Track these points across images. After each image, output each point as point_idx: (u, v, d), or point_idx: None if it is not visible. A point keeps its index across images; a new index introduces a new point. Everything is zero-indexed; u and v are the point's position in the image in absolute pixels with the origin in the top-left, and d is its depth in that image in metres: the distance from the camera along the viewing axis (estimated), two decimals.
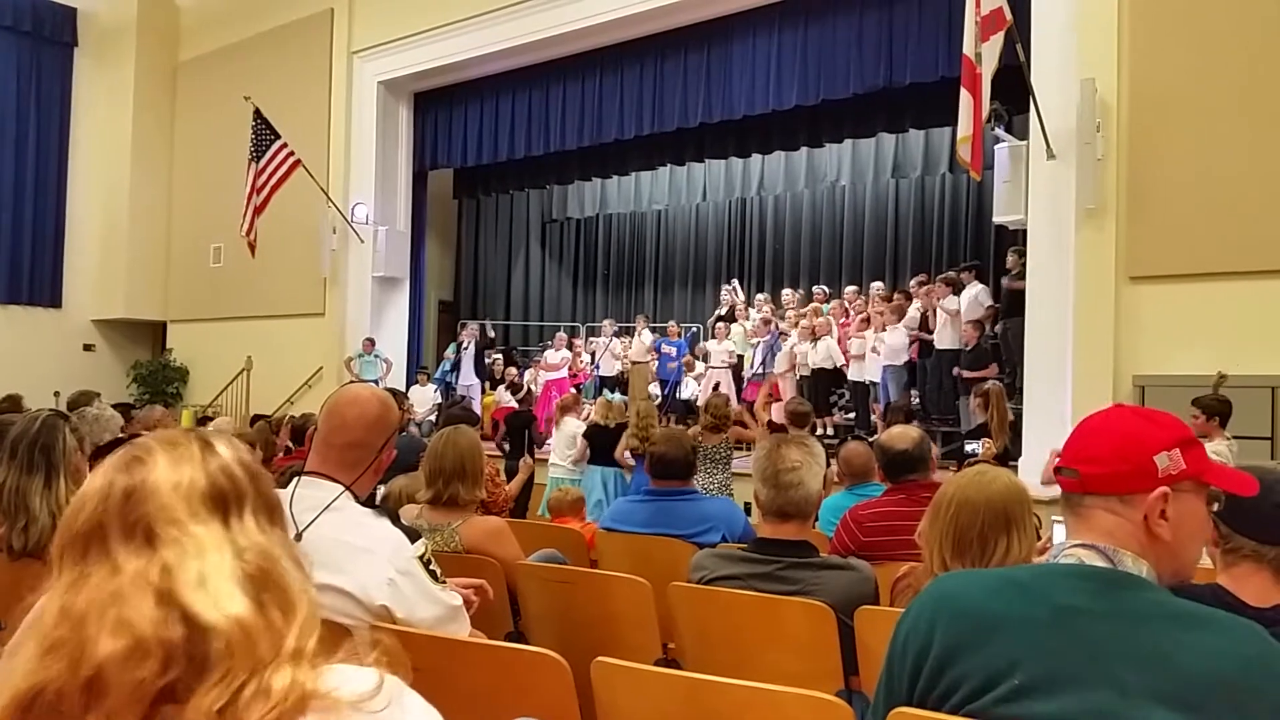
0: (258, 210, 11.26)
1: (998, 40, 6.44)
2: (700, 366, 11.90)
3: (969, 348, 8.89)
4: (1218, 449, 5.22)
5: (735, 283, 13.52)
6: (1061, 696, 1.16)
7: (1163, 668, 1.14)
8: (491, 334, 13.59)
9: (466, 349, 12.83)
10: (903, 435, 3.49)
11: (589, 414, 8.74)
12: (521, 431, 8.54)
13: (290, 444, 6.78)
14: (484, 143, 12.32)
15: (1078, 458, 1.34)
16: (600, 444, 7.57)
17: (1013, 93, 7.55)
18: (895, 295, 10.84)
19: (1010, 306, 8.68)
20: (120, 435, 4.36)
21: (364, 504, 2.09)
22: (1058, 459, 1.38)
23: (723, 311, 12.46)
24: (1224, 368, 6.29)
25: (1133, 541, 1.29)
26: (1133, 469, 1.30)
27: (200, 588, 0.85)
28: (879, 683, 1.38)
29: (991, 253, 11.30)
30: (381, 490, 3.66)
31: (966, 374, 8.68)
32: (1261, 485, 1.87)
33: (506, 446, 8.42)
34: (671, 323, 12.86)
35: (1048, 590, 1.25)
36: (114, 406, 6.19)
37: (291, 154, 11.19)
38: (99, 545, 0.89)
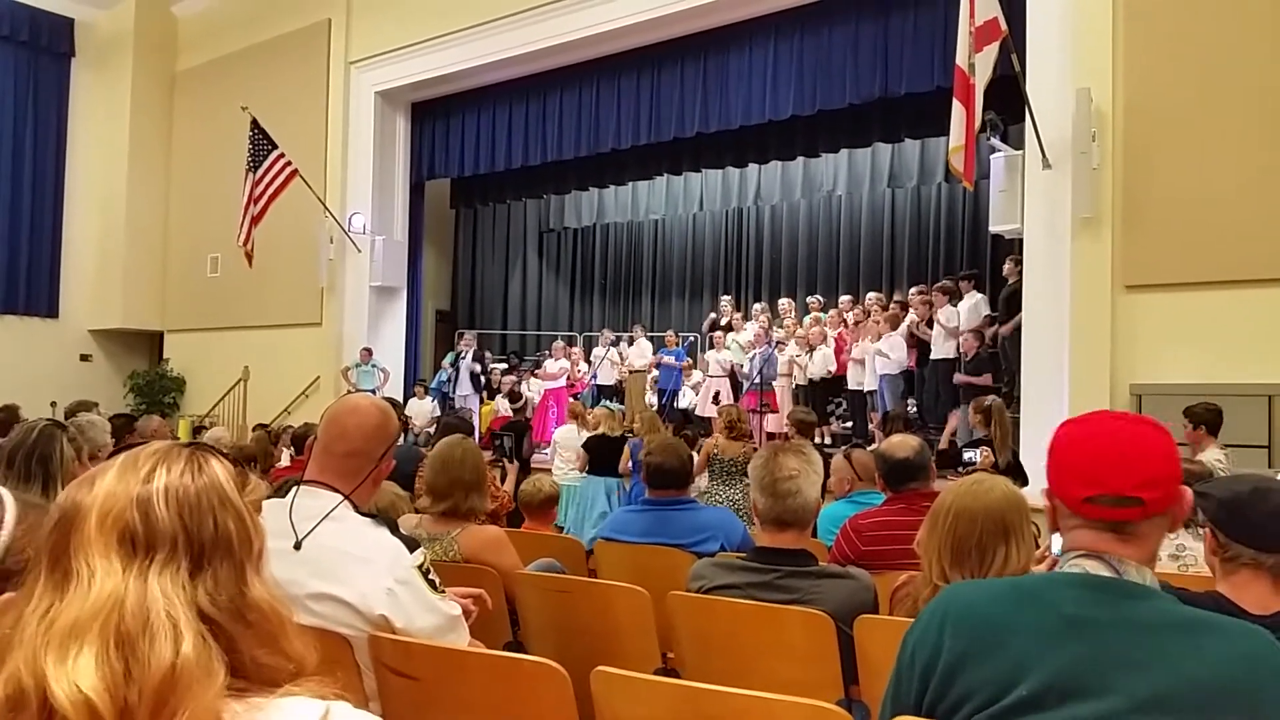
0: (255, 220, 11.26)
1: (993, 50, 6.47)
2: (698, 375, 11.91)
3: (969, 357, 8.90)
4: (1215, 457, 5.23)
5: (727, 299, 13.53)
6: (1070, 706, 1.16)
7: (1170, 675, 1.15)
8: (489, 364, 13.54)
9: (464, 359, 12.83)
10: (903, 444, 3.48)
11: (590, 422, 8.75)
12: (516, 441, 8.54)
13: (292, 452, 6.77)
14: (481, 153, 12.33)
15: (1136, 484, 1.29)
16: (602, 454, 7.56)
17: (1008, 102, 7.57)
18: (892, 305, 10.86)
19: (1009, 316, 8.70)
20: (107, 445, 4.34)
21: (363, 513, 2.09)
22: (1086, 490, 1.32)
23: (721, 321, 12.47)
24: (1221, 376, 6.31)
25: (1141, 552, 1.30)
26: (1177, 481, 1.31)
27: (62, 649, 0.80)
28: (886, 693, 1.38)
29: (988, 262, 11.33)
30: None
31: (962, 379, 8.68)
32: (1255, 493, 1.88)
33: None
34: (669, 332, 12.87)
35: (1056, 600, 1.25)
36: (116, 417, 6.19)
37: (289, 164, 11.20)
38: (35, 567, 0.87)
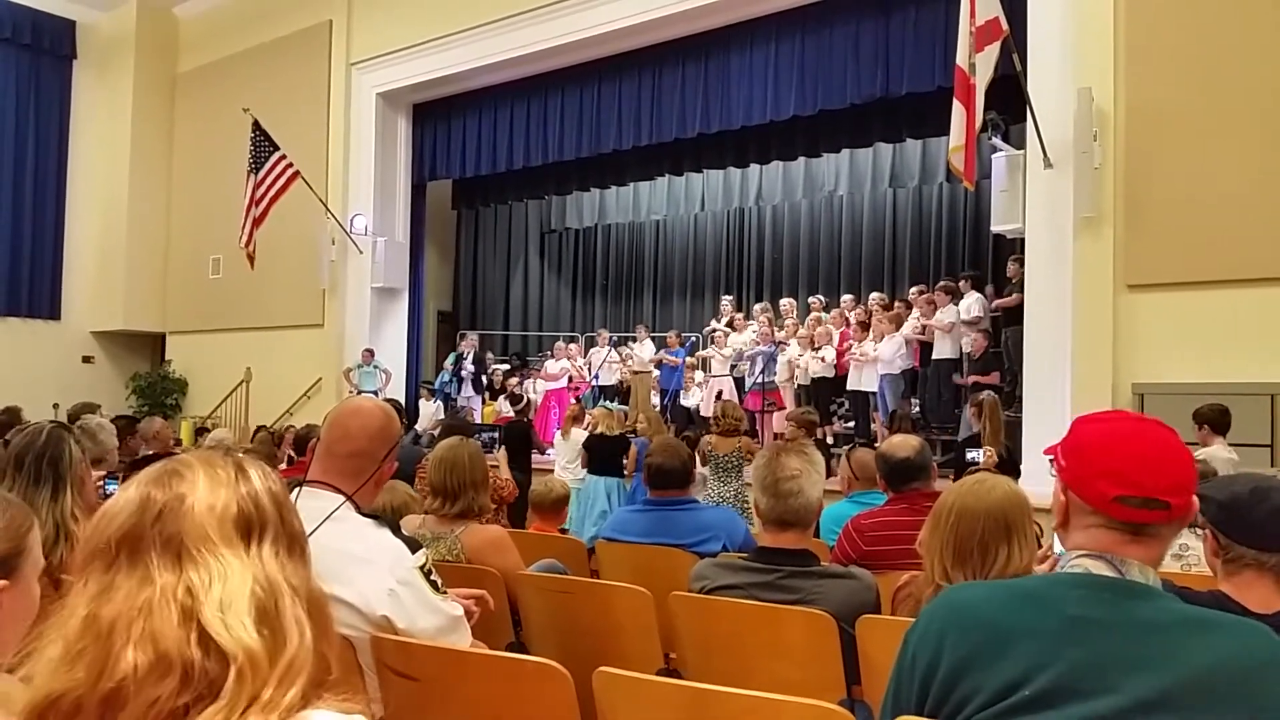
0: (256, 222, 11.27)
1: (994, 50, 6.47)
2: (700, 375, 11.90)
3: (976, 356, 8.90)
4: (1214, 454, 5.25)
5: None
6: (1073, 706, 1.16)
7: (1174, 673, 1.15)
8: (490, 365, 13.55)
9: (466, 359, 12.83)
10: (904, 444, 3.48)
11: (587, 423, 8.74)
12: (519, 441, 8.55)
13: (293, 454, 6.78)
14: (482, 154, 12.34)
15: (1166, 488, 1.28)
16: (602, 454, 7.54)
17: (1010, 102, 7.57)
18: (895, 304, 10.86)
19: (1010, 315, 8.70)
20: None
21: (365, 514, 2.09)
22: (1117, 488, 1.29)
23: (724, 321, 12.46)
24: (1223, 375, 6.32)
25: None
26: (1195, 488, 1.31)
27: (221, 613, 0.87)
28: (886, 695, 1.37)
29: (990, 262, 11.32)
30: None
31: (972, 379, 8.68)
32: (1255, 493, 1.88)
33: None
34: (672, 332, 12.86)
35: (1059, 601, 1.25)
36: (118, 418, 6.19)
37: (290, 165, 11.20)
38: (131, 556, 0.90)
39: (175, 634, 0.85)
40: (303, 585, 0.95)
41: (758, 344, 11.12)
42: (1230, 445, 5.53)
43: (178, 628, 0.85)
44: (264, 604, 0.89)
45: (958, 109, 6.55)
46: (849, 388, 10.32)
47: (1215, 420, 5.56)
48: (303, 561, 0.99)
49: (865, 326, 10.26)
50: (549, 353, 13.56)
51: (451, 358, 13.12)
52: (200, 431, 11.83)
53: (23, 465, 2.44)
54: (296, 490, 2.04)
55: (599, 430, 7.78)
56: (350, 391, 11.65)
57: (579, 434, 8.31)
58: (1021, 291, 7.98)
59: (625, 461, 7.44)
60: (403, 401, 11.56)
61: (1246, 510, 1.86)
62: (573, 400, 11.22)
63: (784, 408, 10.22)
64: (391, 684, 1.96)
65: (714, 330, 12.28)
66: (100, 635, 0.85)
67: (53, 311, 14.89)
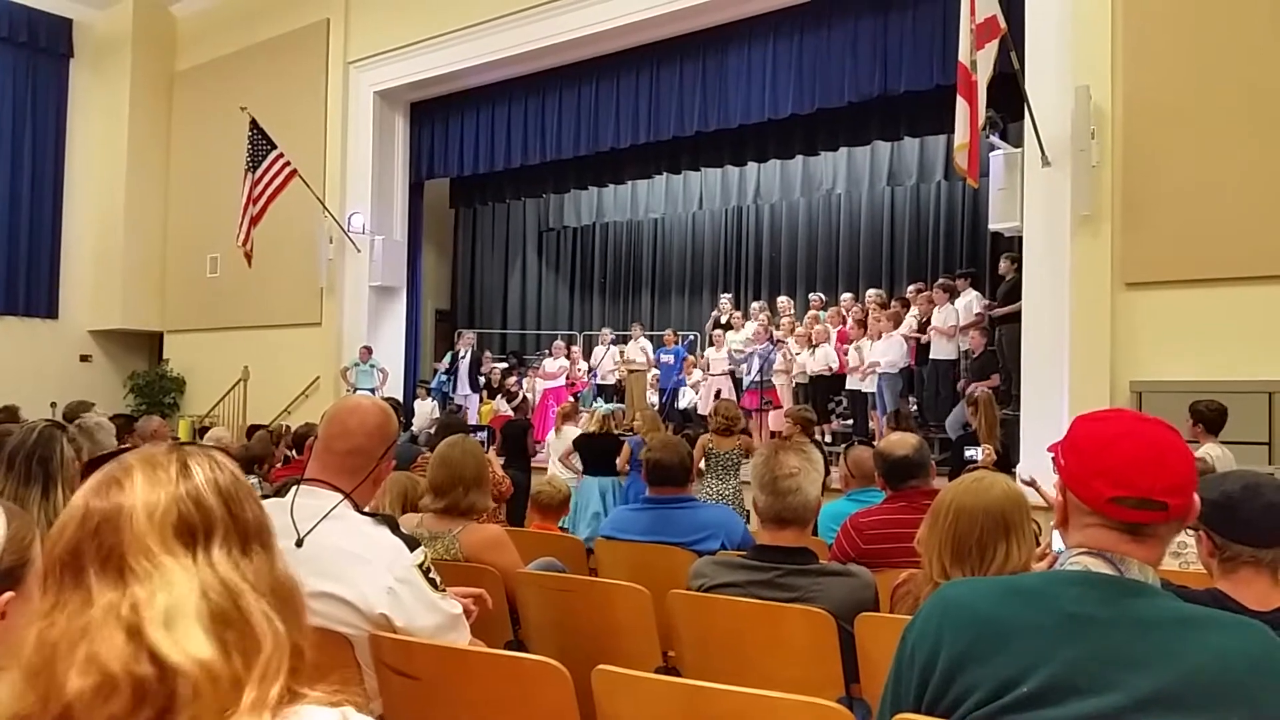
0: (254, 220, 11.25)
1: (992, 48, 6.46)
2: (698, 374, 11.90)
3: (975, 354, 8.89)
4: (1209, 452, 5.24)
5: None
6: (1071, 704, 1.16)
7: (1172, 671, 1.15)
8: (489, 364, 13.55)
9: (463, 358, 12.82)
10: (902, 441, 3.48)
11: (584, 421, 8.73)
12: (517, 440, 8.54)
13: (291, 453, 6.76)
14: (480, 152, 12.33)
15: (1164, 489, 1.27)
16: (593, 453, 7.52)
17: (1007, 100, 7.58)
18: (892, 302, 10.86)
19: (1005, 314, 8.69)
20: (112, 449, 4.35)
21: (363, 512, 2.08)
22: (1114, 488, 1.28)
23: (722, 319, 12.47)
24: (1221, 373, 6.32)
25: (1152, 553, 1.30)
26: (1195, 488, 1.31)
27: (166, 626, 0.84)
28: (884, 691, 1.37)
29: (987, 260, 11.32)
30: None
31: (971, 385, 8.68)
32: (1247, 489, 1.88)
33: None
34: (668, 330, 12.86)
35: (1057, 598, 1.25)
36: (116, 417, 6.17)
37: (288, 164, 11.19)
38: (74, 574, 0.88)
39: (121, 654, 0.82)
40: (264, 579, 0.93)
41: (755, 342, 11.11)
42: (1225, 443, 5.53)
43: (124, 646, 0.83)
44: (221, 609, 0.87)
45: (961, 105, 6.54)
46: (847, 386, 10.33)
47: (1211, 420, 5.54)
48: (263, 553, 0.96)
49: (863, 325, 10.26)
50: (547, 351, 13.55)
51: (447, 356, 13.11)
52: (202, 432, 11.82)
53: (13, 465, 2.43)
54: (294, 489, 2.04)
55: (591, 429, 7.78)
56: (347, 390, 11.64)
57: (572, 431, 8.30)
58: (1014, 290, 7.97)
59: (619, 461, 7.42)
60: (401, 400, 11.56)
61: (1239, 508, 1.86)
62: (570, 399, 11.21)
63: (781, 406, 10.21)
64: (390, 682, 1.96)
65: (718, 317, 12.24)
66: (46, 659, 0.83)
67: (50, 310, 14.87)
